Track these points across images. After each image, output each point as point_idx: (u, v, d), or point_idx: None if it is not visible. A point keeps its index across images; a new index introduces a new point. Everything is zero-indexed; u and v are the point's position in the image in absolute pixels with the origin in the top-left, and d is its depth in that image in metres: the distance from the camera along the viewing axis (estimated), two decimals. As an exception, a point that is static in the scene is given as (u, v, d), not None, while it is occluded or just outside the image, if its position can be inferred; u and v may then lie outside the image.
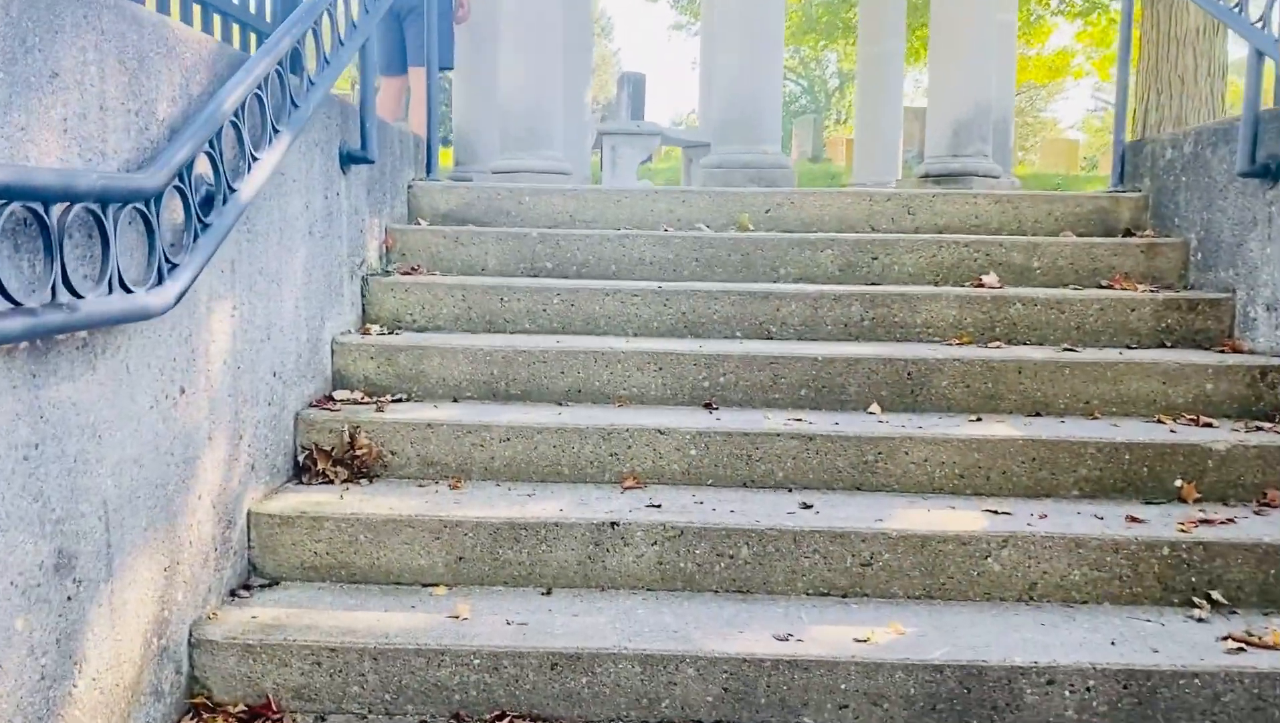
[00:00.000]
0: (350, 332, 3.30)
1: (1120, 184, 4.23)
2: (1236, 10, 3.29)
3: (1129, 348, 3.37)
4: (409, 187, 4.07)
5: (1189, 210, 3.71)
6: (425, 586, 2.50)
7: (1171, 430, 2.89)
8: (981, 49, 5.64)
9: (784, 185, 5.20)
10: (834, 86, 43.78)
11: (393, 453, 2.82)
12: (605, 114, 16.35)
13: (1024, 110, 35.63)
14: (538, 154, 5.65)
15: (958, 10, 5.58)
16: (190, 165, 1.99)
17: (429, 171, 4.25)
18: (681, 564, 2.49)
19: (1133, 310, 3.41)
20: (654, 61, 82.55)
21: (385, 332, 3.34)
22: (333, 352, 3.13)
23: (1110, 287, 3.65)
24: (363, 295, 3.44)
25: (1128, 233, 3.99)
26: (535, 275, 3.77)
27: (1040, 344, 3.41)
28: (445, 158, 9.73)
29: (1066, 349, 3.28)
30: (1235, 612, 2.43)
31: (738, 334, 3.45)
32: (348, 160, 3.23)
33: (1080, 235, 4.00)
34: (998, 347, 3.30)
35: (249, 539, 2.51)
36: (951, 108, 5.66)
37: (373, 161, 3.28)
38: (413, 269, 3.69)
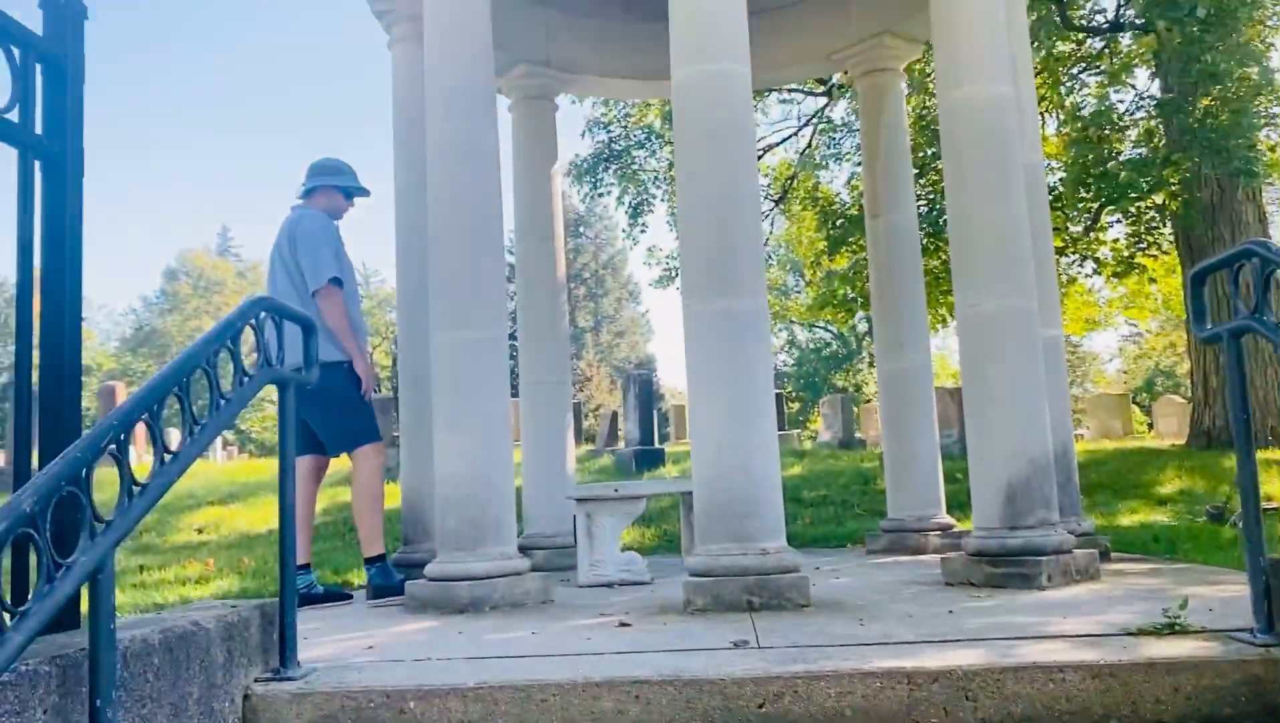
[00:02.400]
0: None
1: (1269, 630, 2.91)
2: None
3: None
4: (246, 696, 2.86)
5: None
6: None
7: None
8: (1031, 392, 4.52)
9: (793, 597, 3.94)
10: (864, 331, 43.59)
11: None
12: (609, 421, 15.51)
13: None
14: (481, 552, 4.50)
15: (997, 353, 4.50)
16: None
17: (284, 662, 3.03)
18: None
19: None
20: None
21: None
22: None
23: None
24: None
25: (1305, 722, 2.65)
26: None
27: None
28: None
29: None
30: None
31: None
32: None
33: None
34: None
35: None
36: (1000, 466, 4.49)
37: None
38: None
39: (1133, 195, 10.35)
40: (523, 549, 6.29)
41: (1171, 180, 10.25)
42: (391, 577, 5.15)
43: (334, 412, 5.12)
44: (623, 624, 3.75)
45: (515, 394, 7.49)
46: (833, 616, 3.73)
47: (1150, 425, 24.12)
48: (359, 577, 6.31)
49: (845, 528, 8.12)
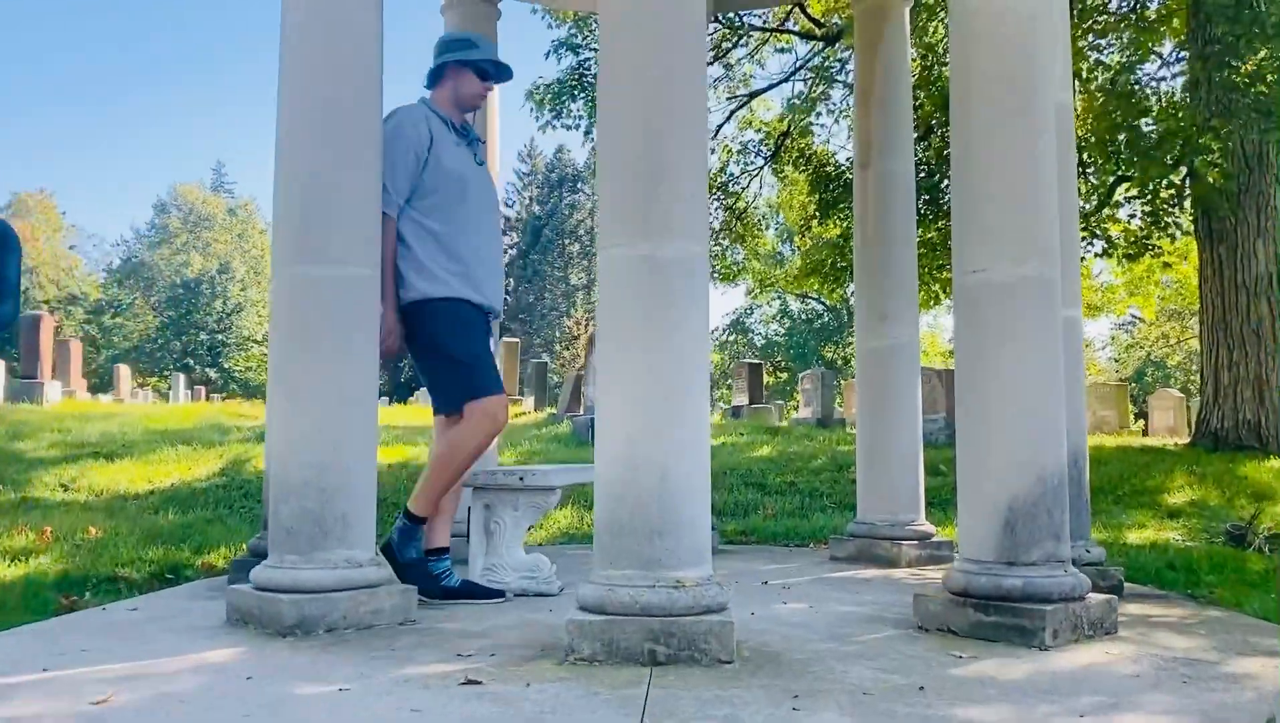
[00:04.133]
0: None
1: None
2: None
3: None
4: None
5: None
6: None
7: None
8: (1049, 387, 3.50)
9: (710, 648, 2.92)
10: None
11: None
12: (572, 385, 14.46)
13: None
14: (320, 558, 3.47)
15: (1006, 333, 3.48)
16: None
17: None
18: None
19: None
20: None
21: None
22: None
23: None
24: None
25: None
26: None
27: None
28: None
29: None
30: None
31: None
32: None
33: None
34: None
35: None
36: (1001, 481, 3.47)
37: None
38: None
39: (1162, 165, 9.25)
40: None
41: (1213, 146, 9.15)
42: (407, 551, 4.01)
43: (428, 365, 4.13)
44: (470, 682, 2.71)
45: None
46: (759, 684, 2.70)
47: (1138, 416, 23.22)
48: (219, 559, 5.28)
49: (811, 523, 7.11)
